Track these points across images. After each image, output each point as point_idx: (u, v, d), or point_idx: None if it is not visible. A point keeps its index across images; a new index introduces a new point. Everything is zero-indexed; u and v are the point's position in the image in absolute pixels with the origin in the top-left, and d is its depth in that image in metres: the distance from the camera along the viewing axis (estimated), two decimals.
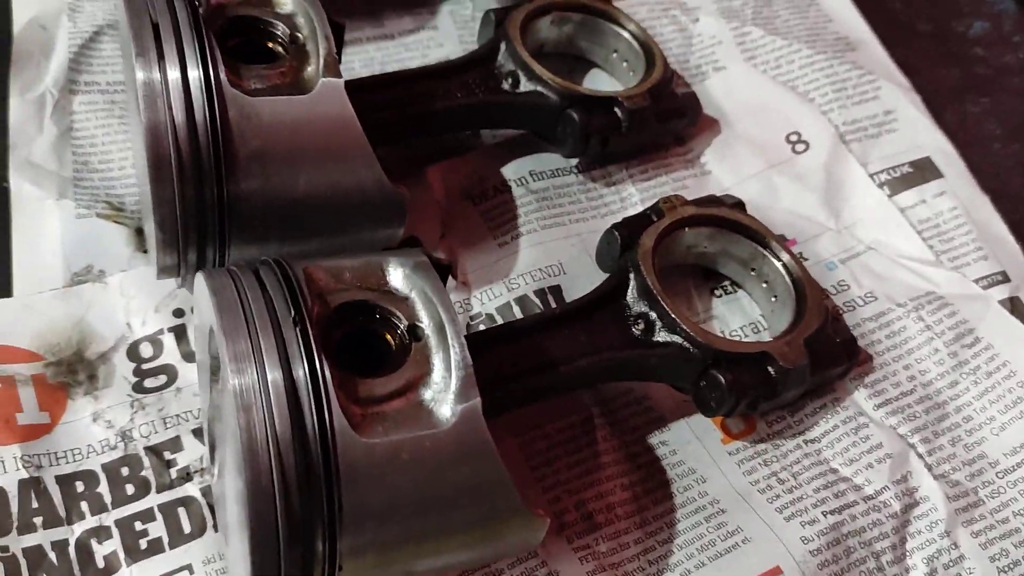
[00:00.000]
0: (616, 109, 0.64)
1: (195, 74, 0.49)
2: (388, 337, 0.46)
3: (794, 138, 0.70)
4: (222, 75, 0.49)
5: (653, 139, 0.68)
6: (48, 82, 0.67)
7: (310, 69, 0.53)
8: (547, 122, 0.65)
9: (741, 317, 0.63)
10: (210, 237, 0.52)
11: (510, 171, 0.67)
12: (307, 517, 0.40)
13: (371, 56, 0.73)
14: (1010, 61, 0.78)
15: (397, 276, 0.47)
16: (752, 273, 0.62)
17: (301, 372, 0.41)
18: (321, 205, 0.53)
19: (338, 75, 0.52)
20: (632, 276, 0.57)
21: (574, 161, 0.67)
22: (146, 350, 0.58)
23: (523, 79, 0.64)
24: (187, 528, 0.52)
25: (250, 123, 0.50)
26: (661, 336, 0.55)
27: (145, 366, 0.57)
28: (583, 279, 0.62)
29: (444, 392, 0.44)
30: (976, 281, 0.63)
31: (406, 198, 0.55)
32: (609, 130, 0.64)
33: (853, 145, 0.70)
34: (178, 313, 0.59)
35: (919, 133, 0.70)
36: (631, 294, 0.57)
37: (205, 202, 0.50)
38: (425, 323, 0.45)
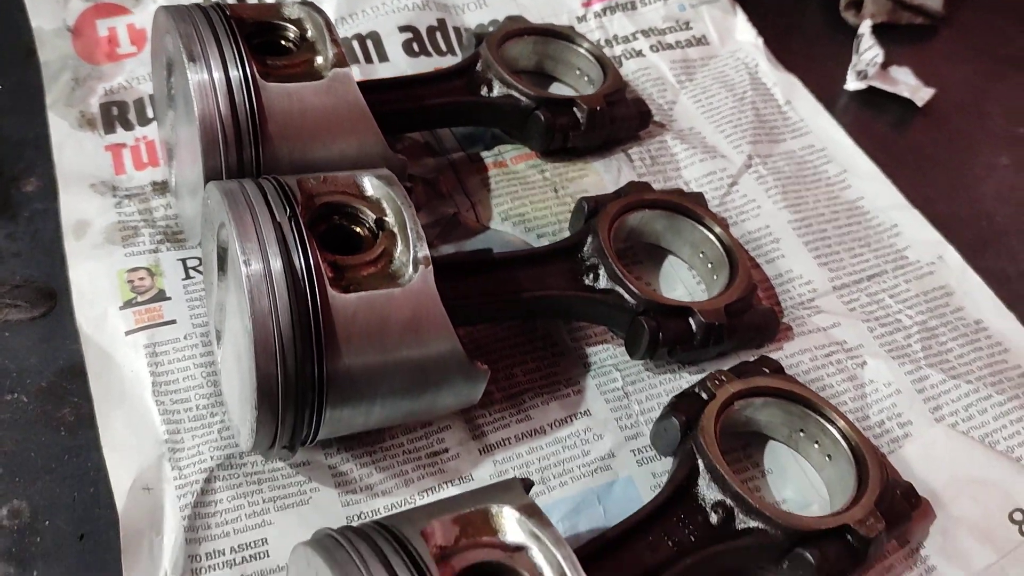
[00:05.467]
0: (849, 537, 0.55)
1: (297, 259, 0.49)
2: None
3: (1018, 517, 0.62)
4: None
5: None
6: (166, 567, 0.55)
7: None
8: (770, 559, 0.56)
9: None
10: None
11: None
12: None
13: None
14: None
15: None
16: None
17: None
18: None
19: (428, 263, 0.49)
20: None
21: None
22: None
23: (738, 514, 0.56)
24: None
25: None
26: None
27: None
28: None
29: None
30: None
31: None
32: (843, 564, 0.55)
33: None
34: None
35: None
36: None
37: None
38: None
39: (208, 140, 0.61)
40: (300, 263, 0.51)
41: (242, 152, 0.61)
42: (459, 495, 0.48)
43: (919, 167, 0.86)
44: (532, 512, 0.46)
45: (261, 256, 0.51)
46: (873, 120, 0.90)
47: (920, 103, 0.90)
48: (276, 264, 0.51)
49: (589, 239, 0.67)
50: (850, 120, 0.88)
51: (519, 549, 0.45)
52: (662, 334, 0.64)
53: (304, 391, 0.52)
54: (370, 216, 0.56)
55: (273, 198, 0.54)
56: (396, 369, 0.54)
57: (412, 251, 0.54)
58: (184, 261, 0.69)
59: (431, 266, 0.54)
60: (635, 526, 0.54)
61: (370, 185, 0.57)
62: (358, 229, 0.56)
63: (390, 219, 0.56)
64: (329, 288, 0.51)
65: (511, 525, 0.46)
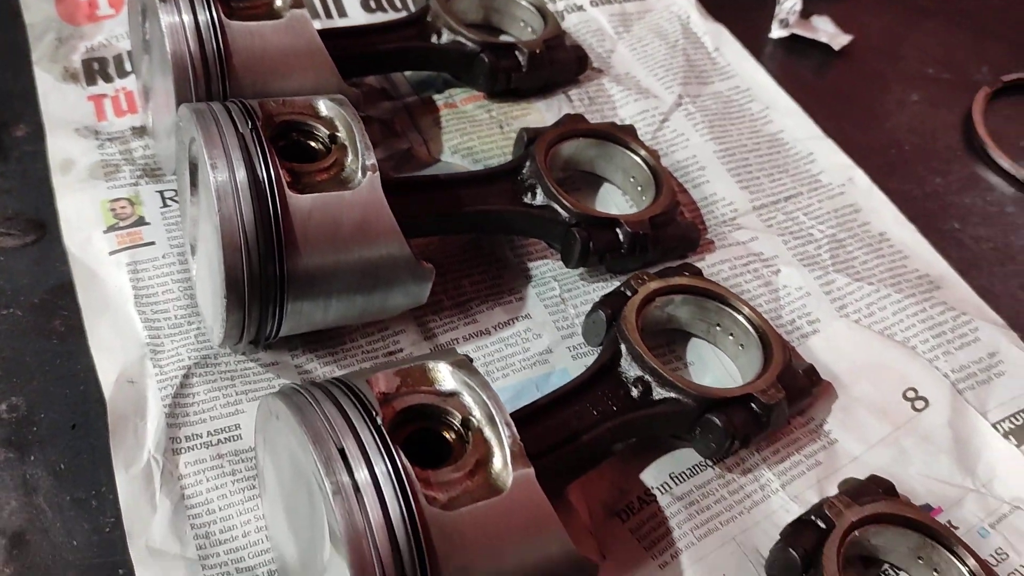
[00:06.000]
0: (753, 405, 0.63)
1: (391, 492, 0.46)
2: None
3: (911, 394, 0.70)
4: (419, 493, 0.46)
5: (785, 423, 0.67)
6: (150, 446, 0.62)
7: (496, 462, 0.50)
8: (682, 425, 0.63)
9: None
10: None
11: (649, 477, 0.64)
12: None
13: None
14: None
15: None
16: (920, 561, 0.61)
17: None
18: None
19: (527, 465, 0.49)
20: None
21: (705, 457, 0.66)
22: None
23: (655, 386, 0.63)
24: None
25: (451, 539, 0.47)
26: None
27: None
28: None
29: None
30: None
31: (597, 570, 0.52)
32: (749, 429, 0.63)
33: (968, 394, 0.70)
34: None
35: None
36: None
37: None
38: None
39: (180, 76, 0.68)
40: (261, 168, 0.59)
41: (210, 86, 0.68)
42: (404, 358, 0.56)
43: (836, 104, 0.93)
44: (463, 364, 0.53)
45: (227, 162, 0.58)
46: (795, 64, 0.98)
47: (838, 47, 0.98)
48: (240, 169, 0.58)
49: (528, 163, 0.75)
50: (775, 65, 0.96)
51: (452, 395, 0.52)
52: (592, 243, 0.71)
53: (267, 285, 0.59)
54: (324, 132, 0.63)
55: (237, 115, 0.61)
56: (349, 266, 0.61)
57: (361, 160, 0.62)
58: (162, 192, 0.76)
59: (378, 172, 0.61)
60: (563, 396, 0.62)
61: (324, 107, 0.64)
62: (313, 144, 0.63)
63: (342, 134, 0.63)
64: (287, 191, 0.59)
65: (445, 376, 0.53)
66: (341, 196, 0.60)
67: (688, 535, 0.62)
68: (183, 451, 0.63)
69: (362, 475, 0.46)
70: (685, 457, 0.66)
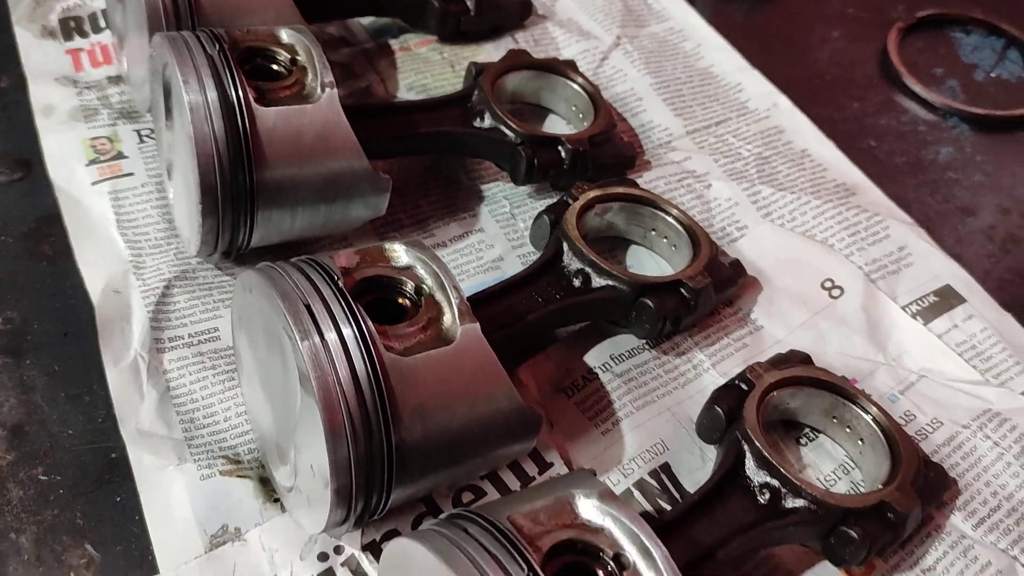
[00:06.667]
0: (683, 290, 0.70)
1: (353, 339, 0.53)
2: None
3: (828, 284, 0.77)
4: (378, 341, 0.53)
5: (713, 308, 0.74)
6: (136, 346, 0.68)
7: (446, 319, 0.57)
8: (620, 310, 0.70)
9: (830, 461, 0.68)
10: (375, 488, 0.54)
11: (592, 359, 0.71)
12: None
13: None
14: (981, 180, 0.88)
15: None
16: (835, 421, 0.68)
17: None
18: (470, 438, 0.56)
19: (473, 320, 0.56)
20: (747, 448, 0.62)
21: (642, 340, 0.72)
22: None
23: (594, 276, 0.70)
24: None
25: (407, 381, 0.53)
26: (788, 503, 0.60)
27: None
28: (685, 452, 0.67)
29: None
30: (1023, 393, 0.71)
31: (540, 420, 0.59)
32: (680, 311, 0.70)
33: (880, 283, 0.77)
34: (323, 556, 0.60)
35: (934, 264, 0.79)
36: (750, 465, 0.62)
37: (374, 456, 0.53)
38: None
39: (152, 15, 0.74)
40: (229, 85, 0.65)
41: (180, 24, 0.75)
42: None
43: (763, 42, 1.01)
44: (416, 244, 0.59)
45: (198, 80, 0.65)
46: (726, 9, 1.05)
47: None
48: (210, 86, 0.64)
49: (476, 92, 0.81)
50: (707, 10, 1.03)
51: (407, 268, 0.59)
52: (537, 160, 0.78)
53: (238, 193, 0.66)
54: (285, 56, 0.70)
55: (206, 41, 0.67)
56: (312, 174, 0.68)
57: (320, 77, 0.68)
58: (138, 131, 0.82)
59: (336, 89, 0.68)
60: (511, 285, 0.68)
61: (285, 35, 0.71)
62: (275, 67, 0.70)
63: (302, 57, 0.70)
64: (253, 104, 0.65)
65: (400, 253, 0.59)
66: (302, 109, 0.67)
67: (627, 406, 0.69)
68: (166, 350, 0.69)
69: (326, 324, 0.52)
70: (624, 341, 0.72)
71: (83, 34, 0.91)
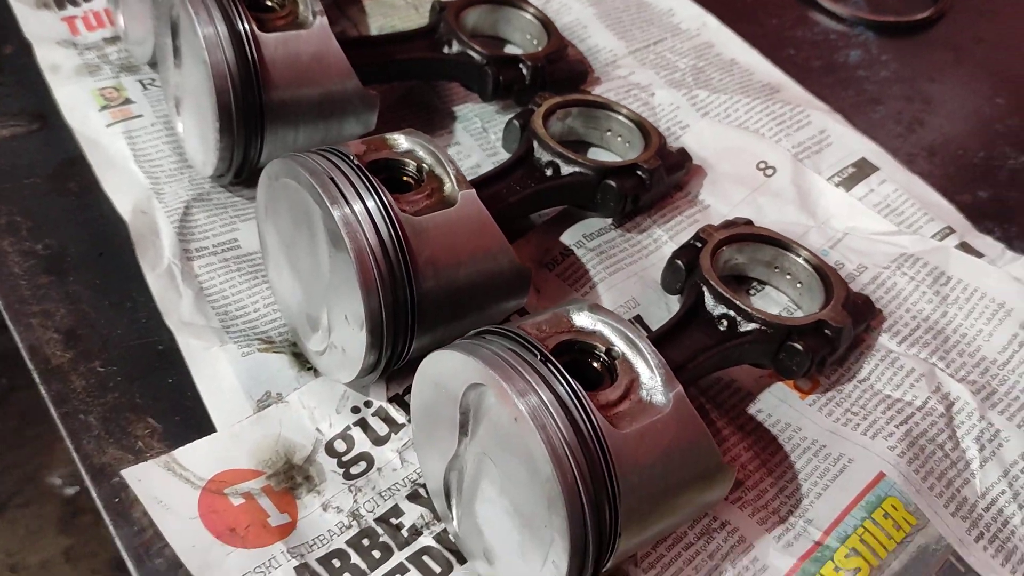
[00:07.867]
0: (639, 172, 0.81)
1: (373, 204, 0.63)
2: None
3: (762, 166, 0.89)
4: (395, 205, 0.63)
5: (666, 190, 0.86)
6: (168, 255, 0.78)
7: (447, 187, 0.67)
8: (587, 193, 0.81)
9: (776, 306, 0.80)
10: (400, 333, 0.65)
11: (567, 239, 0.82)
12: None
13: None
14: (887, 75, 1.01)
15: (581, 319, 0.62)
16: (776, 270, 0.80)
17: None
18: (474, 289, 0.67)
19: (470, 187, 0.67)
20: (705, 289, 0.73)
21: (610, 220, 0.84)
22: (340, 445, 0.69)
23: (562, 165, 0.81)
24: (436, 569, 0.63)
25: (420, 237, 0.64)
26: (743, 327, 0.72)
27: (344, 458, 0.68)
28: (654, 307, 0.78)
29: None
30: (932, 237, 0.83)
31: (531, 274, 0.70)
32: (638, 190, 0.81)
33: (806, 161, 0.90)
34: (355, 409, 0.70)
35: (850, 142, 0.91)
36: (709, 302, 0.73)
37: (399, 303, 0.63)
38: (618, 345, 0.60)
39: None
40: (236, 18, 0.75)
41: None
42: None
43: None
44: (413, 132, 0.69)
45: (208, 14, 0.74)
46: None
47: None
48: (218, 18, 0.74)
49: (441, 24, 0.92)
50: None
51: (408, 152, 0.69)
52: (501, 77, 0.89)
53: (249, 112, 0.75)
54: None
55: None
56: (311, 94, 0.77)
57: (310, 7, 0.78)
58: (141, 80, 0.91)
59: (325, 16, 0.78)
60: (489, 178, 0.79)
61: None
62: (268, 2, 0.79)
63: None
64: (256, 31, 0.75)
65: (400, 141, 0.69)
66: (299, 35, 0.77)
67: (601, 273, 0.80)
68: (195, 258, 0.78)
69: (350, 193, 0.63)
70: (593, 223, 0.84)
71: (75, 3, 1.00)
